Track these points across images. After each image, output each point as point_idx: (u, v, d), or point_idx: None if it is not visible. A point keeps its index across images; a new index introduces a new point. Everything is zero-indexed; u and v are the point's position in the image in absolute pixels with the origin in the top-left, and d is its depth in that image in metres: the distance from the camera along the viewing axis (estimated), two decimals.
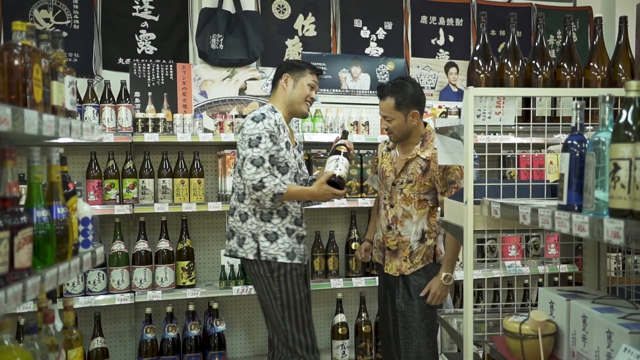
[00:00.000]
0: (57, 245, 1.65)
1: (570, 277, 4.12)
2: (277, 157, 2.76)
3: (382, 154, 3.07)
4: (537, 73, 2.38)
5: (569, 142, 1.61)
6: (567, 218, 1.51)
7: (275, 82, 2.96)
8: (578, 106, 1.65)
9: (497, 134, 2.88)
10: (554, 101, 2.40)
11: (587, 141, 1.58)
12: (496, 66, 2.42)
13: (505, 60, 2.39)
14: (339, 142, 2.91)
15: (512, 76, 2.38)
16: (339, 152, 2.86)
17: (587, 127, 2.27)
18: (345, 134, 2.98)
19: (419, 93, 2.91)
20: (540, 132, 2.49)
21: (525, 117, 2.40)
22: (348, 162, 2.88)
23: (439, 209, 2.99)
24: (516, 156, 3.90)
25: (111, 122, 3.41)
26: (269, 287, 2.79)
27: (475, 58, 2.42)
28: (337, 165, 2.82)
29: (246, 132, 2.75)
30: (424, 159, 2.88)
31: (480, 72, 2.39)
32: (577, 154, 1.58)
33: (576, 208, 1.55)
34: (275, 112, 2.84)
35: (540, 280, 4.17)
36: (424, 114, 3.70)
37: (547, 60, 2.39)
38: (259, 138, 2.72)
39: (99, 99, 3.45)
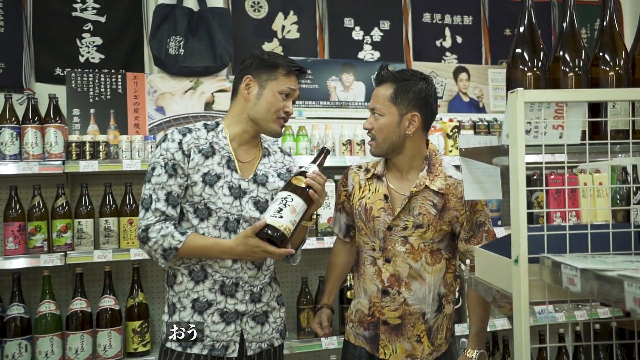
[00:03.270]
0: None
1: (614, 324, 3.38)
2: (190, 196, 1.97)
3: (360, 183, 2.19)
4: (607, 68, 1.67)
5: None
6: None
7: (235, 86, 2.10)
8: None
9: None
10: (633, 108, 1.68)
11: None
12: (548, 61, 1.71)
13: (561, 52, 1.68)
14: (300, 170, 1.98)
15: (571, 74, 1.66)
16: (293, 188, 1.92)
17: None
18: (321, 155, 2.02)
19: (431, 95, 2.08)
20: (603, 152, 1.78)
21: (592, 131, 1.68)
22: (304, 204, 1.90)
23: (456, 261, 2.23)
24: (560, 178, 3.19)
25: (36, 148, 2.66)
26: None
27: (519, 50, 1.69)
28: (278, 209, 1.87)
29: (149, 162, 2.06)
30: (435, 191, 2.06)
31: (526, 69, 1.67)
32: None
33: None
34: (210, 129, 2.04)
35: (577, 328, 3.43)
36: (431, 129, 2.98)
37: (619, 50, 1.68)
38: (153, 169, 1.96)
39: (20, 119, 2.71)
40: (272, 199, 2.03)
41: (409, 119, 2.05)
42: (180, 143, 1.97)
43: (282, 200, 1.88)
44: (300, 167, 2.03)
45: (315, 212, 2.04)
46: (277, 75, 2.02)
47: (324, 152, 2.02)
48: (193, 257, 1.98)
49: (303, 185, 1.91)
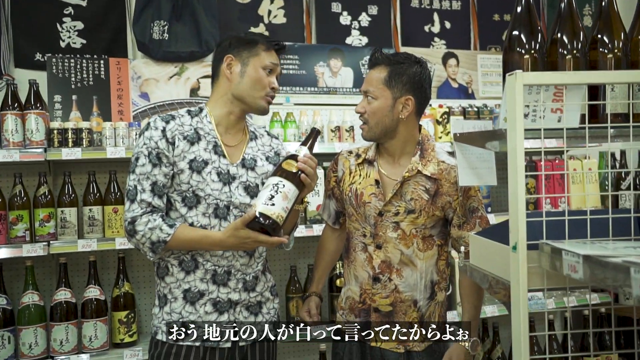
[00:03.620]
0: None
1: (602, 310, 3.40)
2: (178, 184, 1.91)
3: (350, 169, 2.15)
4: (606, 50, 1.63)
5: None
6: None
7: (215, 69, 2.03)
8: None
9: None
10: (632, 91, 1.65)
11: None
12: (546, 43, 1.67)
13: (559, 35, 1.64)
14: (290, 154, 1.90)
15: (569, 57, 1.63)
16: (284, 173, 1.85)
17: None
18: (311, 136, 1.95)
19: (425, 79, 2.04)
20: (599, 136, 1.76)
21: (590, 115, 1.65)
22: (296, 189, 1.84)
23: (448, 248, 2.19)
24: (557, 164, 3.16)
25: (16, 135, 2.58)
26: None
27: (516, 32, 1.66)
28: (270, 197, 1.79)
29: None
30: (428, 176, 2.03)
31: (524, 51, 1.63)
32: None
33: None
34: (194, 115, 1.98)
35: (567, 314, 3.44)
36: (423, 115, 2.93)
37: (618, 32, 1.65)
38: (137, 159, 1.91)
39: None
40: (263, 183, 1.97)
41: (403, 103, 2.01)
42: (163, 131, 1.92)
43: (274, 187, 1.82)
44: (289, 152, 1.97)
45: (305, 198, 2.00)
46: (258, 50, 1.97)
47: (314, 133, 1.96)
48: (183, 250, 1.93)
49: (294, 170, 1.85)
